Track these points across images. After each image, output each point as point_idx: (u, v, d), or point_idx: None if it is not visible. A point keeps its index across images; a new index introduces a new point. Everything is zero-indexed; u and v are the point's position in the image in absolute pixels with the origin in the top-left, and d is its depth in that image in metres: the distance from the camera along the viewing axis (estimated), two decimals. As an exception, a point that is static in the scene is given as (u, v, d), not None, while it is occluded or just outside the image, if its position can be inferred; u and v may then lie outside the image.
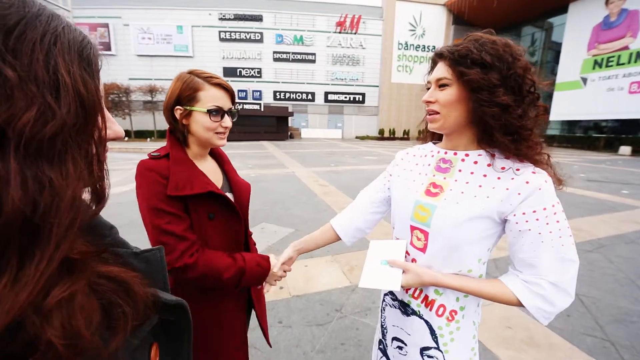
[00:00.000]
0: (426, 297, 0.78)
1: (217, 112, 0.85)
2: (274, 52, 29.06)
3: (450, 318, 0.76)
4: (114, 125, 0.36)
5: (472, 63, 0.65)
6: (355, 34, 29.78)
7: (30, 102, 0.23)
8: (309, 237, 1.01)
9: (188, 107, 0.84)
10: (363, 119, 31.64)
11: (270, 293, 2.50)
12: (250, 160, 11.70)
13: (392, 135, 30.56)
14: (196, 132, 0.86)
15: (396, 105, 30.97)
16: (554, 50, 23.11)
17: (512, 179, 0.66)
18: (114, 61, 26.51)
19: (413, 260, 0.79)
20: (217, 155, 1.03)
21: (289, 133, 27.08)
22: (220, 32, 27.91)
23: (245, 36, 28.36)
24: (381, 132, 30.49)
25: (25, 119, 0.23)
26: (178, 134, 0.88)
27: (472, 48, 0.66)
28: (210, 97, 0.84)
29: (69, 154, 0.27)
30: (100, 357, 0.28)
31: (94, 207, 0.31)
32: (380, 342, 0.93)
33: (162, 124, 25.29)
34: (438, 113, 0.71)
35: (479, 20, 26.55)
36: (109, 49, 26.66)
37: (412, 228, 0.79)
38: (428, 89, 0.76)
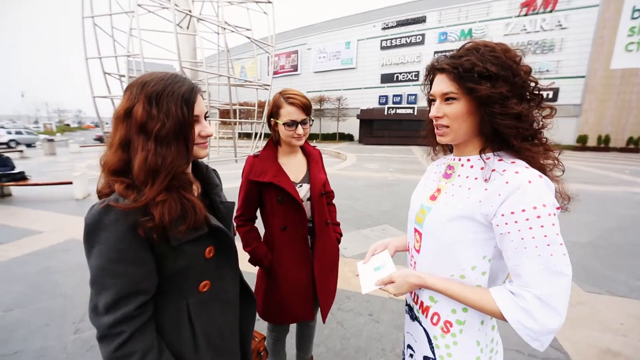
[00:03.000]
0: (422, 303, 0.77)
1: (291, 124, 1.15)
2: (435, 53, 27.25)
3: (445, 329, 0.71)
4: (206, 128, 0.72)
5: (479, 77, 0.62)
6: (550, 12, 23.16)
7: (157, 121, 0.63)
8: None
9: (275, 120, 1.20)
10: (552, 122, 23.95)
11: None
12: (393, 164, 11.82)
13: (602, 145, 21.26)
14: (282, 137, 1.21)
15: (616, 101, 21.36)
16: None
17: (494, 179, 0.64)
18: (298, 80, 33.61)
19: (415, 263, 0.79)
20: (307, 154, 1.34)
21: (443, 138, 24.80)
22: (382, 40, 29.20)
23: (406, 40, 28.15)
24: (582, 139, 21.73)
25: (156, 127, 0.63)
26: (274, 137, 1.26)
27: (475, 60, 0.63)
28: (287, 113, 1.15)
29: (172, 142, 0.64)
30: (174, 230, 0.64)
31: (184, 166, 0.67)
32: (402, 352, 0.94)
33: (325, 129, 29.74)
34: (448, 127, 0.70)
35: None
36: (296, 70, 34.12)
37: (415, 231, 0.79)
38: (430, 100, 0.74)
